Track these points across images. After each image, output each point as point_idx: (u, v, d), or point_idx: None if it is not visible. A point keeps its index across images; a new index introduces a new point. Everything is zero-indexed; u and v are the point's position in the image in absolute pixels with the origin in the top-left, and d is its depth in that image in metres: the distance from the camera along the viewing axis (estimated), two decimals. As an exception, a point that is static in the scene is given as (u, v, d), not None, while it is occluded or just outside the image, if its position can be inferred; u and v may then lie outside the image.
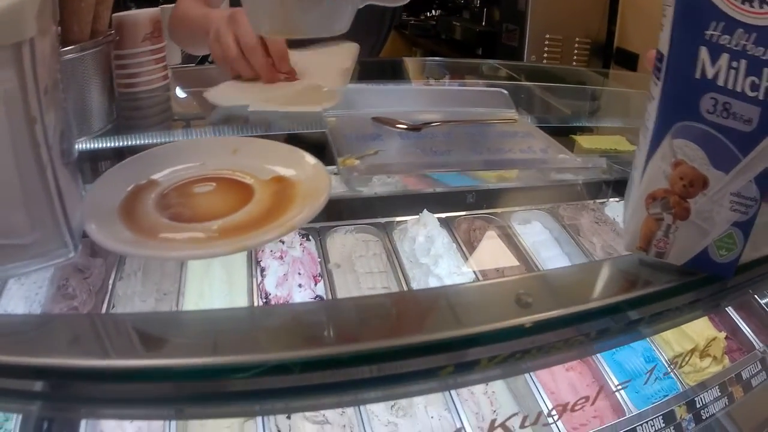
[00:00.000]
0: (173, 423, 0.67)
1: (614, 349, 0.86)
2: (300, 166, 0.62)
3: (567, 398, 0.78)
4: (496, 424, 0.62)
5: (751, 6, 0.41)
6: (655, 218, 0.50)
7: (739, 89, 0.43)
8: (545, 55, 2.46)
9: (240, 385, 0.42)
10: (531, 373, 0.79)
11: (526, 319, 0.45)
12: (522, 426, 0.66)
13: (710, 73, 0.44)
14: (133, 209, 0.55)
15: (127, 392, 0.42)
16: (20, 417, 0.65)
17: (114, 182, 0.58)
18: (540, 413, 0.72)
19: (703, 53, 0.44)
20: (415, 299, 0.58)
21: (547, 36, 2.44)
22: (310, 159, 0.63)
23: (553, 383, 0.81)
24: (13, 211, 0.41)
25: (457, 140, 0.80)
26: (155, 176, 0.61)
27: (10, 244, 0.43)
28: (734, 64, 0.43)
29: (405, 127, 0.82)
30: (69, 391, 0.41)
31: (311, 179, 0.59)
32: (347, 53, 1.24)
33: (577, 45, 2.47)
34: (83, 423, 0.66)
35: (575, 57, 2.48)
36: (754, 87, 0.42)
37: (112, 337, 0.46)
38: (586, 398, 0.74)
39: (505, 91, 0.98)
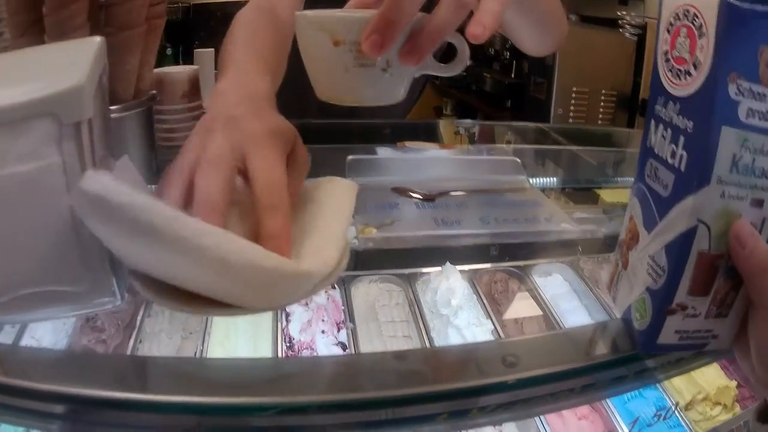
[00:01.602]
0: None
1: (626, 399, 0.87)
2: None
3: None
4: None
5: (679, 79, 0.45)
6: (616, 262, 0.56)
7: (664, 156, 0.47)
8: (572, 107, 2.49)
9: (263, 421, 0.46)
10: (544, 423, 0.81)
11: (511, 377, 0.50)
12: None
13: (653, 141, 0.49)
14: None
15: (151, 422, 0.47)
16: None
17: None
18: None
19: (652, 125, 0.49)
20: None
21: (574, 89, 2.47)
22: None
23: (566, 432, 0.83)
24: (69, 265, 0.44)
25: (468, 210, 0.86)
26: None
27: (62, 291, 0.45)
28: (664, 133, 0.47)
29: (420, 198, 0.86)
30: (95, 417, 0.47)
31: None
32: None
33: (603, 97, 2.50)
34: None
35: (601, 109, 2.51)
36: (673, 154, 0.46)
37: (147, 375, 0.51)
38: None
39: (518, 159, 1.03)
